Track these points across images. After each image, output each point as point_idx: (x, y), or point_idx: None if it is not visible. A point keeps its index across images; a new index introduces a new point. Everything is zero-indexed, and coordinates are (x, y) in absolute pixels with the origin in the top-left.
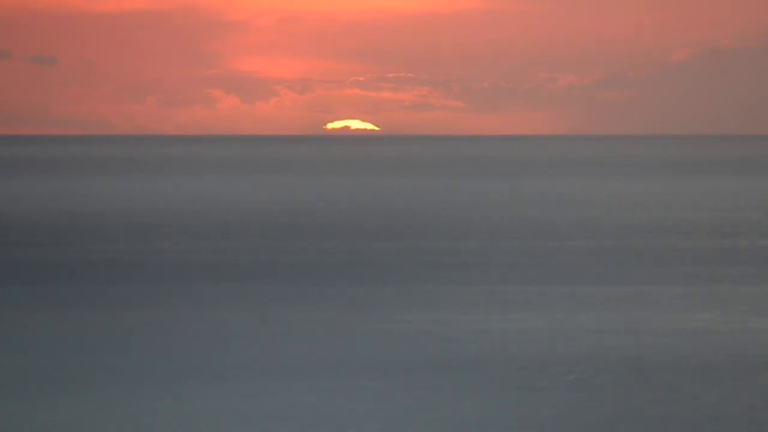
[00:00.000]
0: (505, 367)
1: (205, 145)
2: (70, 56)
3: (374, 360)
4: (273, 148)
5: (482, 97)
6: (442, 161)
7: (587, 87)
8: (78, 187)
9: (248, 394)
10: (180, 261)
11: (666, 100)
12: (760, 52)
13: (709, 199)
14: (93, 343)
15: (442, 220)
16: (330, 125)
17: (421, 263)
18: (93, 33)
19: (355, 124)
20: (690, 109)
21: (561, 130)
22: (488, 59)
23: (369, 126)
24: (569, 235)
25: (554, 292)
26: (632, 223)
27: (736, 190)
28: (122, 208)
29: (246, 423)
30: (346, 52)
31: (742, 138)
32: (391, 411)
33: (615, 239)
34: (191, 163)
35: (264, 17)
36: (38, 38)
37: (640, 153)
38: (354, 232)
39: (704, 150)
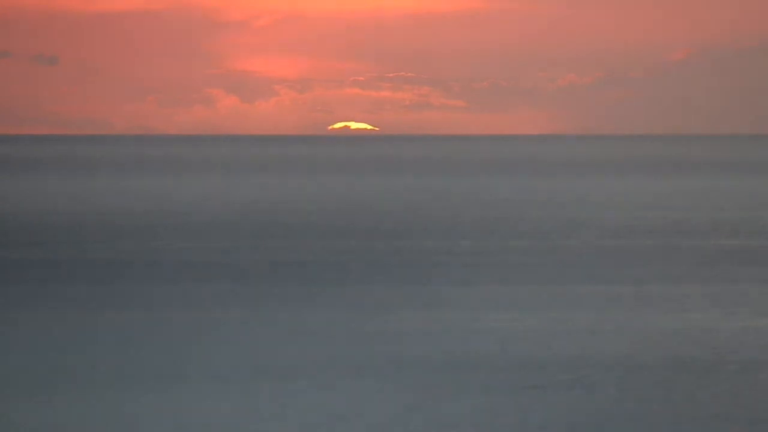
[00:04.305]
0: (502, 367)
1: (205, 145)
2: (71, 56)
3: (372, 359)
4: (273, 148)
5: (482, 96)
6: (441, 161)
7: (587, 86)
8: (78, 186)
9: (246, 393)
10: (179, 261)
11: (666, 100)
12: (759, 52)
13: (708, 199)
14: (92, 342)
15: (441, 219)
16: (334, 126)
17: (419, 263)
18: (93, 33)
19: (355, 124)
20: (689, 109)
21: (561, 130)
22: (488, 59)
23: (369, 126)
24: (568, 234)
25: (553, 292)
26: (632, 222)
27: (736, 189)
28: (122, 208)
29: (244, 423)
30: (346, 52)
31: (742, 138)
32: (389, 410)
33: (614, 239)
34: (191, 163)
35: (264, 17)
36: (39, 38)
37: (640, 152)
38: (353, 232)
39: (704, 150)
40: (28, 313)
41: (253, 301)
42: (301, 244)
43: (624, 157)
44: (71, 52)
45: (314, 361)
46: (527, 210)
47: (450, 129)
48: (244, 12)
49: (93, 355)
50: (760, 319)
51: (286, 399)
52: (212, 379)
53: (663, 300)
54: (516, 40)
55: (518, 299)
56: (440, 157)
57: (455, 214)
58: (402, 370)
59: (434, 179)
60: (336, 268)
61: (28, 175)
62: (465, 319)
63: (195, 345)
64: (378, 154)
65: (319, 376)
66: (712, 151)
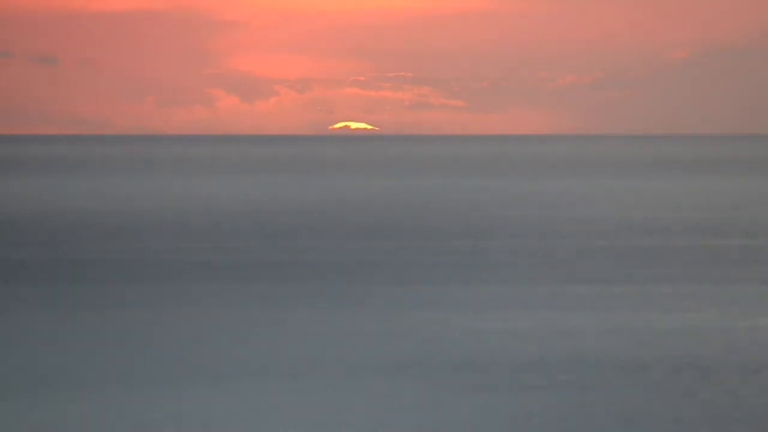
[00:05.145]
0: (502, 367)
1: (205, 145)
2: (71, 56)
3: (371, 360)
4: (273, 148)
5: (482, 96)
6: (441, 161)
7: (587, 86)
8: (77, 186)
9: (245, 393)
10: (179, 261)
11: (666, 100)
12: (760, 52)
13: (708, 199)
14: (91, 343)
15: (441, 219)
16: (334, 126)
17: (419, 263)
18: (94, 32)
19: (355, 124)
20: (690, 109)
21: (561, 130)
22: (488, 59)
23: (369, 126)
24: (567, 234)
25: (552, 292)
26: (631, 222)
27: (736, 189)
28: (122, 208)
29: (242, 423)
30: (346, 51)
31: (742, 138)
32: (388, 410)
33: (614, 239)
34: (191, 163)
35: (264, 17)
36: (39, 38)
37: (640, 152)
38: (352, 231)
39: (704, 150)
40: (27, 313)
41: (253, 301)
42: (300, 244)
43: (624, 157)
44: (71, 52)
45: (313, 361)
46: (527, 210)
47: (450, 129)
48: (244, 12)
49: (91, 355)
50: (761, 319)
51: (286, 399)
52: (213, 378)
53: (663, 300)
54: (516, 40)
55: (518, 299)
56: (440, 157)
57: (455, 213)
58: (401, 370)
59: (433, 179)
60: (335, 267)
61: (27, 175)
62: (465, 319)
63: (195, 344)
64: (378, 154)
65: (318, 376)
66: (712, 150)
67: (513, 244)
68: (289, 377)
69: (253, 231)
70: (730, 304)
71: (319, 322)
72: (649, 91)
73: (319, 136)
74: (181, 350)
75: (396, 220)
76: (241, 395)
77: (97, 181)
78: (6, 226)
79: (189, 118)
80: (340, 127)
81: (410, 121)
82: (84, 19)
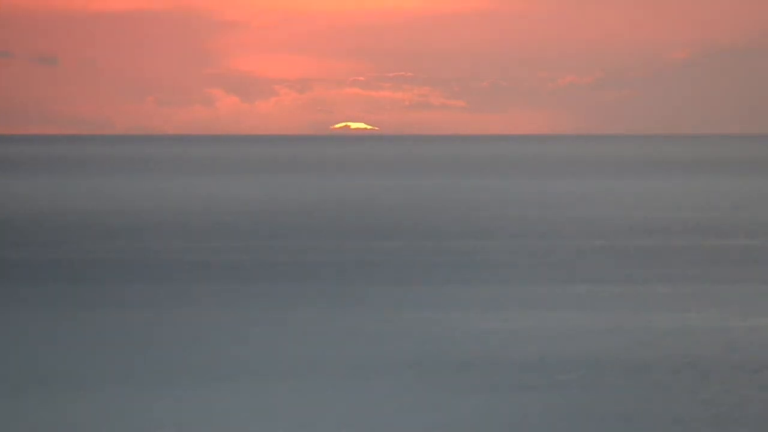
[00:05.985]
0: (502, 367)
1: (205, 145)
2: (71, 56)
3: (371, 360)
4: (273, 148)
5: (482, 96)
6: (441, 161)
7: (587, 86)
8: (77, 186)
9: (245, 393)
10: (179, 261)
11: (666, 100)
12: (760, 52)
13: (708, 199)
14: (91, 342)
15: (441, 219)
16: (334, 126)
17: (419, 263)
18: (94, 33)
19: (355, 124)
20: (690, 109)
21: (561, 130)
22: (488, 59)
23: (369, 126)
24: (567, 234)
25: (552, 292)
26: (631, 222)
27: (736, 189)
28: (122, 208)
29: (242, 423)
30: (346, 51)
31: (742, 138)
32: (388, 410)
33: (614, 239)
34: (191, 163)
35: (264, 17)
36: (39, 38)
37: (640, 152)
38: (352, 231)
39: (704, 150)
40: (27, 313)
41: (253, 301)
42: (300, 244)
43: (624, 157)
44: (71, 52)
45: (313, 361)
46: (527, 210)
47: (450, 129)
48: (244, 12)
49: (91, 355)
50: (761, 319)
51: (286, 399)
52: (213, 378)
53: (663, 300)
54: (516, 40)
55: (518, 299)
56: (440, 157)
57: (455, 213)
58: (402, 370)
59: (433, 179)
60: (335, 267)
61: (27, 175)
62: (465, 319)
63: (195, 344)
64: (378, 154)
65: (318, 376)
66: (712, 150)
67: (513, 244)
68: (289, 377)
69: (253, 231)
70: (730, 304)
71: (319, 322)
72: (649, 91)
73: (319, 136)
74: (181, 350)
75: (396, 220)
76: (241, 395)
77: (97, 181)
78: (6, 226)
79: (189, 118)
80: (340, 127)
81: (410, 121)
82: (84, 19)
